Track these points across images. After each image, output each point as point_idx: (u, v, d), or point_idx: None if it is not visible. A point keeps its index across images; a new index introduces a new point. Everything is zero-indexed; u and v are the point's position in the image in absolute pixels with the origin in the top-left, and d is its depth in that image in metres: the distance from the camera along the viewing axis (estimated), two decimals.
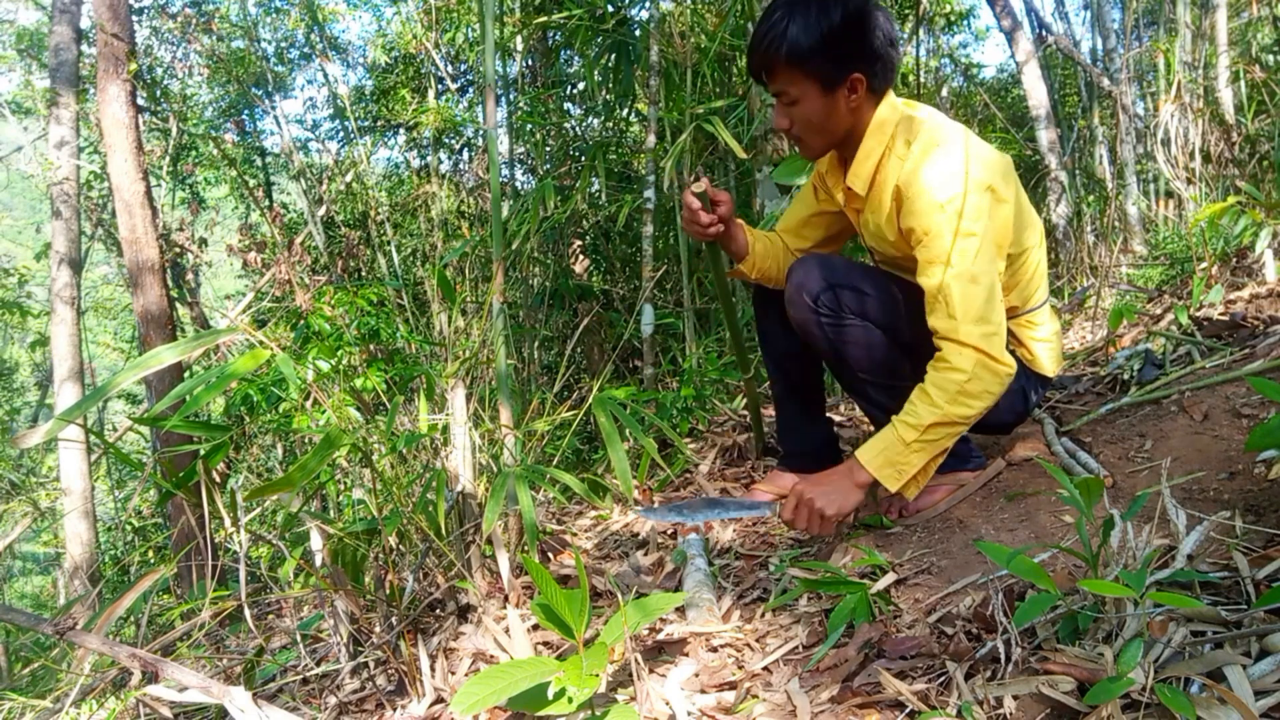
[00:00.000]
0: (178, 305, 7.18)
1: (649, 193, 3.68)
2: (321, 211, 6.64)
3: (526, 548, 1.67)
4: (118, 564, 6.37)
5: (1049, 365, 1.83)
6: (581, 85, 5.43)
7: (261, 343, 1.34)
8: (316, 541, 1.51)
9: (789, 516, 1.65)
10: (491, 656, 1.47)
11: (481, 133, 6.71)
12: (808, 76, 1.62)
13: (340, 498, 2.79)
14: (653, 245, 3.77)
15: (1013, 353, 1.79)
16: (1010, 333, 1.79)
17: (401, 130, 8.02)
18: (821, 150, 1.75)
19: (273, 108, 7.82)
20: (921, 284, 1.60)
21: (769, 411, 2.90)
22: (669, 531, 2.03)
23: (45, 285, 7.71)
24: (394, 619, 1.49)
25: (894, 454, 1.59)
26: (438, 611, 1.63)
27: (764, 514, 1.75)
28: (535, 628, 1.56)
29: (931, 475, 1.65)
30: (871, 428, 2.50)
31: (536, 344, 4.92)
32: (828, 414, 2.14)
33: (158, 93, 7.82)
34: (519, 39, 5.67)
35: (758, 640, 1.40)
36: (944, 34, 8.47)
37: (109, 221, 7.97)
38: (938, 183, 1.56)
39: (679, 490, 2.37)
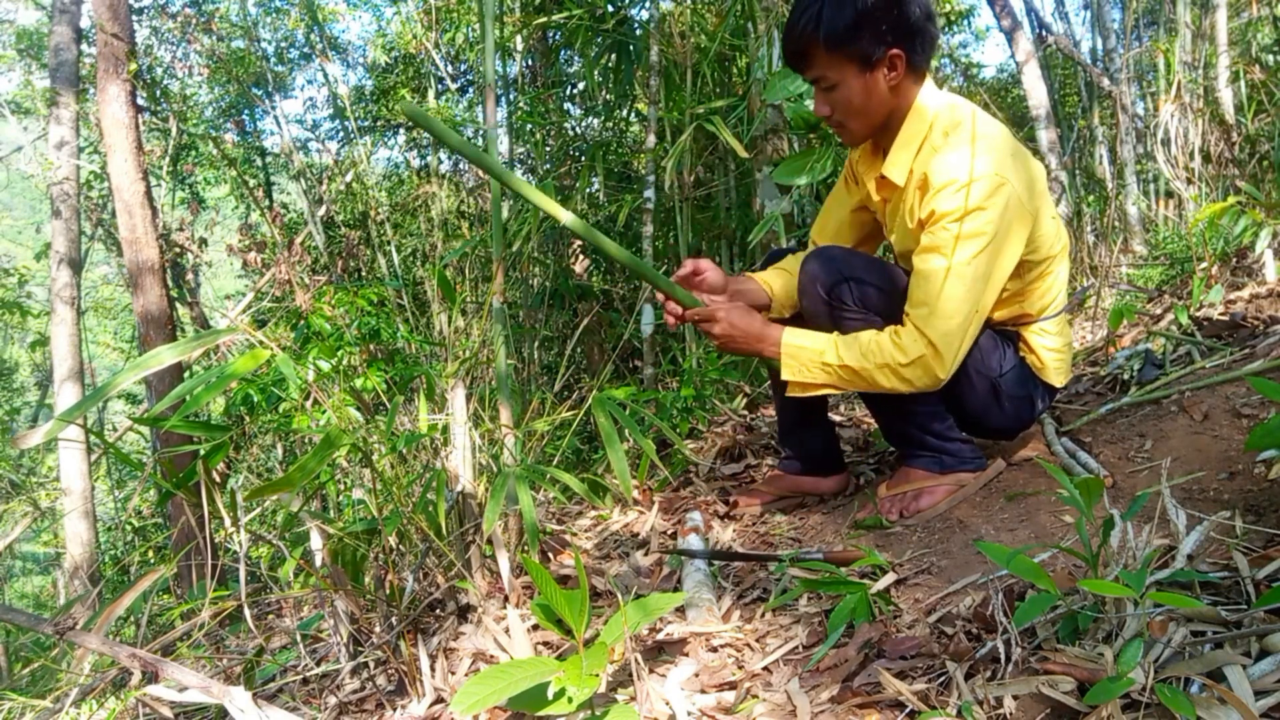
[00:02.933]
0: (178, 305, 7.18)
1: (649, 193, 3.68)
2: (321, 211, 6.64)
3: (527, 548, 1.67)
4: (118, 564, 6.37)
5: (1057, 376, 1.82)
6: (581, 85, 5.43)
7: (261, 343, 1.34)
8: (316, 541, 1.51)
9: (697, 315, 1.71)
10: (491, 656, 1.47)
11: (481, 133, 6.71)
12: (846, 58, 1.58)
13: (340, 498, 2.79)
14: (652, 245, 3.77)
15: (1023, 359, 1.78)
16: (1022, 338, 1.79)
17: (401, 130, 8.03)
18: (864, 135, 1.71)
19: (273, 108, 7.82)
20: (915, 263, 1.59)
21: (770, 412, 2.90)
22: (669, 532, 2.03)
23: (45, 285, 7.72)
24: (394, 619, 1.49)
25: (808, 357, 1.64)
26: (438, 611, 1.63)
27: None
28: (535, 628, 1.57)
29: (814, 390, 1.67)
30: (875, 428, 2.50)
31: (536, 344, 4.92)
32: (829, 414, 2.14)
33: (158, 93, 7.82)
34: (519, 39, 5.67)
35: (758, 640, 1.40)
36: (944, 34, 8.47)
37: (109, 221, 7.97)
38: (963, 173, 1.53)
39: (678, 490, 2.37)
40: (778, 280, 1.92)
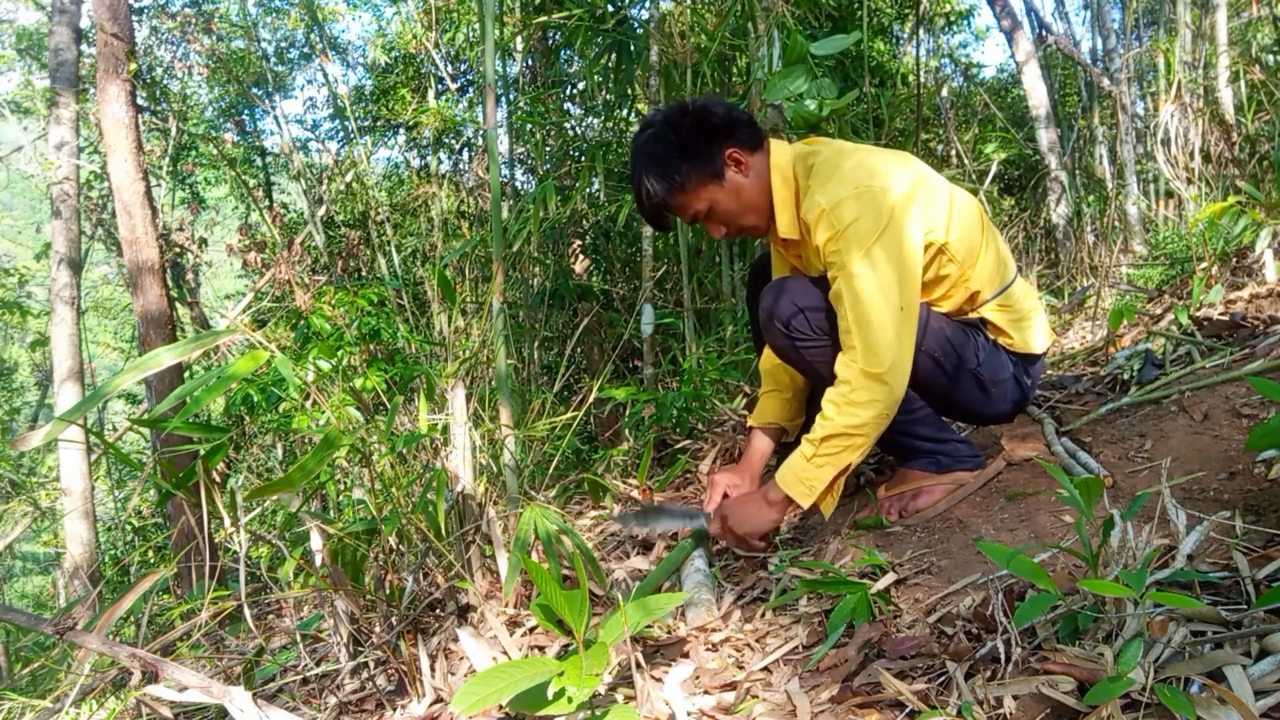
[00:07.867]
0: (178, 305, 7.18)
1: None
2: (321, 211, 6.63)
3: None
4: (118, 564, 6.37)
5: (1036, 341, 1.81)
6: (581, 85, 5.43)
7: (261, 343, 1.34)
8: (316, 541, 1.51)
9: (716, 532, 1.74)
10: (492, 658, 1.47)
11: (481, 133, 6.71)
12: (696, 187, 1.68)
13: (340, 498, 2.79)
14: (653, 245, 3.77)
15: (993, 342, 1.78)
16: (988, 323, 1.78)
17: (401, 130, 8.03)
18: (764, 222, 1.78)
19: (273, 108, 7.82)
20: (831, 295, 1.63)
21: None
22: (671, 533, 2.03)
23: (45, 285, 7.71)
24: (394, 619, 1.49)
25: (800, 470, 1.63)
26: (438, 611, 1.63)
27: (701, 524, 1.80)
28: (534, 629, 1.57)
29: (840, 491, 1.68)
30: None
31: (536, 344, 4.91)
32: None
33: (158, 93, 7.82)
34: (519, 39, 5.67)
35: (758, 640, 1.40)
36: (944, 34, 8.47)
37: (109, 221, 7.98)
38: (826, 199, 1.59)
39: (680, 490, 2.38)
40: (773, 404, 1.97)
